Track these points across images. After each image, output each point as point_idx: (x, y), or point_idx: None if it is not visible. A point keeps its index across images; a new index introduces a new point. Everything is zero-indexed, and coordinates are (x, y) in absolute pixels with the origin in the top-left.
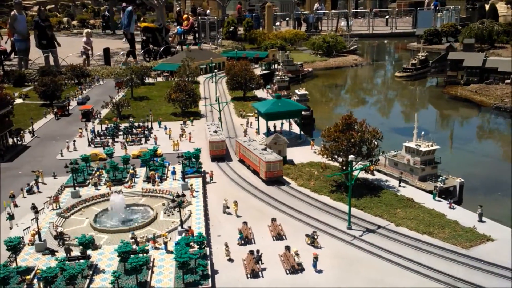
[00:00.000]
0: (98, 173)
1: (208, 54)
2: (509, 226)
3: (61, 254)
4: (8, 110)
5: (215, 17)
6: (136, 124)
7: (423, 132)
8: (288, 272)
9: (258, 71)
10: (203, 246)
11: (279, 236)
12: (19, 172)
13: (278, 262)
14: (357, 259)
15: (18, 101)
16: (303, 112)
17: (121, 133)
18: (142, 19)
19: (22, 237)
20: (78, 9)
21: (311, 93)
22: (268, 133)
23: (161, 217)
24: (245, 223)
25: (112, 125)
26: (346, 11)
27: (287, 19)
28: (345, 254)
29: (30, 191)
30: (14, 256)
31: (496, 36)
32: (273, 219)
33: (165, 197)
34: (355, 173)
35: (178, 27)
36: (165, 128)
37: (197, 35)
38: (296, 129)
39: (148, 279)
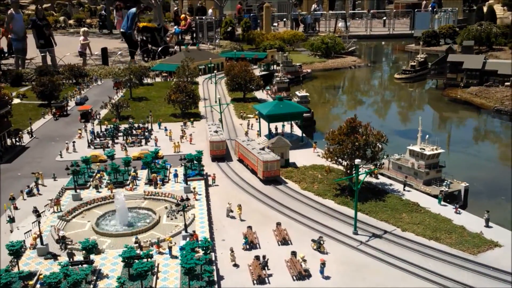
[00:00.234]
0: (99, 175)
1: (207, 54)
2: None
3: (64, 258)
4: (6, 111)
5: (213, 17)
6: (136, 125)
7: (427, 136)
8: (295, 278)
9: (257, 72)
10: (208, 252)
11: (284, 241)
12: (18, 174)
13: (284, 268)
14: (364, 265)
15: (16, 101)
16: (304, 114)
17: (120, 134)
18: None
19: (24, 241)
20: (75, 8)
21: (310, 94)
22: (270, 135)
23: (164, 221)
24: (249, 227)
25: (112, 126)
26: (344, 12)
27: (284, 19)
28: (352, 260)
29: (30, 193)
30: (16, 260)
31: (494, 38)
32: (278, 224)
33: (167, 200)
34: (361, 177)
35: (175, 27)
36: (166, 130)
37: (194, 35)
38: (297, 131)
39: (153, 285)
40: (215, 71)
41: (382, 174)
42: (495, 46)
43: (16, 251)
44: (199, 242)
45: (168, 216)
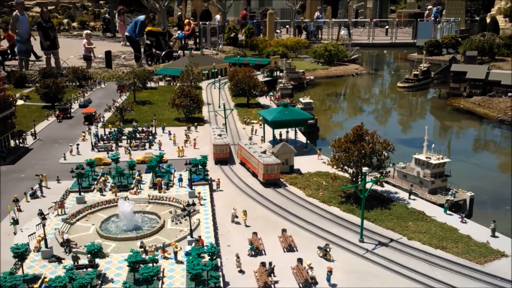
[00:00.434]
0: (103, 178)
1: (210, 59)
2: None
3: (68, 262)
4: (10, 112)
5: (217, 23)
6: (139, 128)
7: (433, 145)
8: (301, 285)
9: (260, 78)
10: (214, 257)
11: (290, 248)
12: (21, 176)
13: (290, 275)
14: (371, 273)
15: (19, 102)
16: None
17: (124, 137)
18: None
19: (28, 244)
20: (79, 11)
21: (313, 101)
22: (274, 141)
23: (168, 225)
24: (255, 233)
25: (116, 129)
26: (347, 20)
27: (287, 26)
28: (358, 267)
29: (33, 196)
30: (20, 263)
31: (497, 49)
32: (284, 230)
33: (172, 204)
34: (368, 185)
35: (179, 31)
36: (169, 134)
37: (198, 40)
38: (301, 137)
39: None
40: (219, 76)
41: (387, 182)
42: (498, 57)
43: (21, 254)
44: (205, 247)
45: (173, 221)
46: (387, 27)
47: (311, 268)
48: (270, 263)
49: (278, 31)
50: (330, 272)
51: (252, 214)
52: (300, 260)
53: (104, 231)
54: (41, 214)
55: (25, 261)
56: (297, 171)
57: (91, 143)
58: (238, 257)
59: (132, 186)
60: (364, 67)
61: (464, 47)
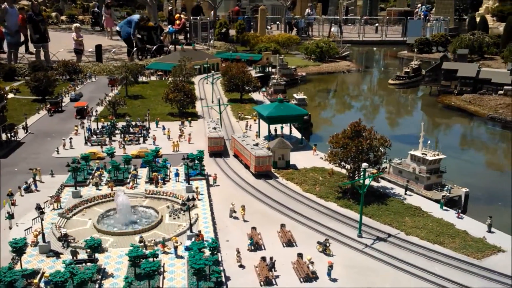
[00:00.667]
0: (98, 172)
1: (202, 54)
2: None
3: (66, 256)
4: (2, 105)
5: (208, 18)
6: (133, 123)
7: (429, 141)
8: (302, 280)
9: (252, 73)
10: (215, 252)
11: (289, 243)
12: (14, 169)
13: (291, 270)
14: (371, 268)
15: (9, 95)
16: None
17: (118, 132)
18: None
19: (25, 238)
20: (67, 5)
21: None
22: (270, 137)
23: (166, 220)
24: (254, 228)
25: (109, 123)
26: (337, 17)
27: (277, 23)
28: (357, 262)
29: (27, 190)
30: (18, 258)
31: (486, 47)
32: (282, 225)
33: (169, 199)
34: (367, 181)
35: (169, 26)
36: (163, 129)
37: (188, 35)
38: (295, 133)
39: (161, 285)
40: (212, 72)
41: (383, 178)
42: (487, 55)
43: (20, 249)
44: (206, 242)
45: (170, 216)
46: (377, 24)
47: (312, 263)
48: (271, 258)
49: (269, 27)
50: (331, 266)
51: (250, 209)
52: (300, 255)
53: (102, 226)
54: (39, 208)
55: (23, 256)
56: (293, 167)
57: (84, 137)
58: (238, 252)
59: (128, 180)
60: (354, 64)
61: (454, 45)
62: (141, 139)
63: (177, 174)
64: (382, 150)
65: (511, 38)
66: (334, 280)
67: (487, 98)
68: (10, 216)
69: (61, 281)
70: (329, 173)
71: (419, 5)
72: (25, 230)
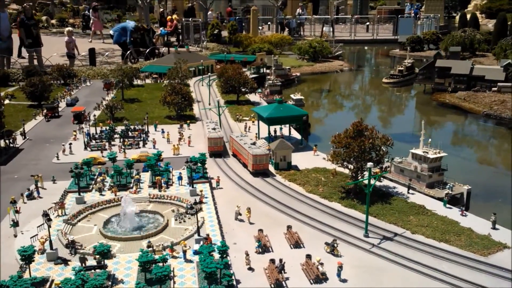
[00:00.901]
0: (101, 178)
1: (196, 56)
2: None
3: (74, 263)
4: None
5: (200, 19)
6: (132, 127)
7: (430, 139)
8: (312, 281)
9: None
10: (225, 256)
11: (297, 244)
12: (15, 176)
13: (300, 271)
14: (379, 267)
15: (5, 101)
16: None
17: (117, 136)
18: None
19: (34, 246)
20: (57, 8)
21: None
22: (270, 138)
23: (172, 224)
24: (260, 230)
25: (108, 128)
26: (328, 16)
27: (269, 23)
28: (366, 262)
29: (30, 196)
30: (26, 266)
31: (478, 44)
32: (289, 227)
33: (173, 203)
34: (372, 180)
35: (161, 28)
36: (163, 132)
37: (180, 37)
38: (294, 133)
39: None
40: (209, 74)
41: (384, 177)
42: (478, 52)
43: (28, 257)
44: (214, 245)
45: (176, 219)
46: (367, 23)
47: (321, 264)
48: (281, 260)
49: (260, 27)
50: (340, 267)
51: (255, 211)
52: (308, 256)
53: (108, 232)
54: (46, 215)
55: (31, 263)
56: (295, 168)
57: (84, 142)
58: (247, 254)
59: (131, 185)
60: (347, 63)
61: (445, 43)
62: (141, 143)
63: (180, 178)
64: (383, 149)
65: (502, 35)
66: (344, 280)
67: (481, 95)
68: (15, 224)
69: None
70: (332, 173)
71: (407, 4)
72: (31, 238)
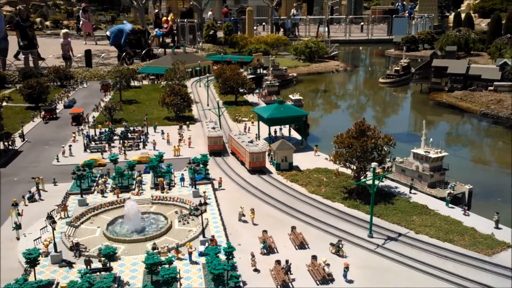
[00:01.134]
0: (103, 179)
1: (193, 57)
2: None
3: (79, 266)
4: None
5: (195, 20)
6: (131, 128)
7: (431, 139)
8: (318, 283)
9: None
10: (231, 257)
11: (302, 245)
12: (14, 179)
13: (306, 273)
14: (385, 268)
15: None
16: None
17: (116, 137)
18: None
19: (39, 249)
20: (51, 10)
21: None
22: (270, 138)
23: (176, 226)
24: (265, 231)
25: (107, 129)
26: (323, 17)
27: (263, 24)
28: (371, 263)
29: (31, 199)
30: (31, 269)
31: (473, 44)
32: (293, 228)
33: (177, 204)
34: (376, 180)
35: (156, 29)
36: (162, 133)
37: (175, 38)
38: (294, 134)
39: None
40: (207, 74)
41: (386, 177)
42: (473, 52)
43: (33, 259)
44: (220, 247)
45: (180, 221)
46: (362, 23)
47: (328, 265)
48: (287, 261)
49: (255, 28)
50: (347, 268)
51: (257, 212)
52: (314, 257)
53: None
54: (50, 217)
55: (36, 266)
56: (296, 168)
57: (84, 144)
58: (253, 255)
59: (133, 187)
60: (343, 63)
61: (440, 42)
62: (141, 145)
63: (182, 179)
64: (386, 149)
65: (497, 34)
66: (351, 281)
67: (478, 95)
68: (17, 227)
69: None
70: (335, 174)
71: (398, 3)
72: (34, 240)
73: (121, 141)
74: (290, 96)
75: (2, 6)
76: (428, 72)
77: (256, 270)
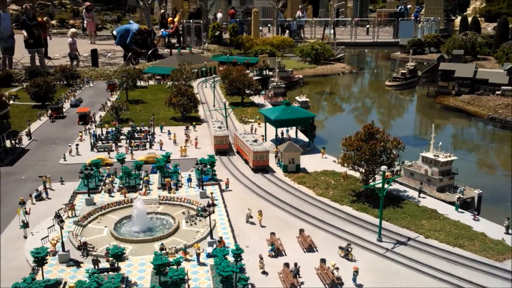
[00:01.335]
0: (110, 179)
1: (199, 58)
2: None
3: (87, 265)
4: (5, 112)
5: (201, 21)
6: (138, 128)
7: (440, 143)
8: (327, 286)
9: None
10: (239, 259)
11: (310, 248)
12: (22, 177)
13: (315, 276)
14: (394, 272)
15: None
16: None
17: (123, 137)
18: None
19: (47, 248)
20: (57, 9)
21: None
22: (277, 140)
23: (183, 226)
24: (273, 233)
25: (114, 129)
26: (328, 19)
27: (269, 25)
28: (380, 267)
29: (38, 197)
30: (39, 268)
31: (479, 48)
32: (301, 230)
33: (184, 205)
34: (386, 184)
35: (162, 30)
36: (169, 133)
37: (181, 38)
38: (301, 136)
39: None
40: (214, 75)
41: (395, 181)
42: (480, 56)
43: (41, 258)
44: (228, 248)
45: (187, 222)
46: (368, 26)
47: (337, 268)
48: (296, 264)
49: (261, 29)
50: (356, 272)
51: (265, 214)
52: (323, 261)
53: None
54: (58, 216)
55: (44, 265)
56: (304, 170)
57: (90, 143)
58: (261, 258)
59: (141, 187)
60: (348, 66)
61: (447, 46)
62: (148, 144)
63: (189, 180)
64: (394, 153)
65: (504, 38)
66: (360, 285)
67: (486, 99)
68: (25, 225)
69: None
70: (343, 177)
71: (400, 7)
72: (41, 239)
73: (127, 141)
74: (297, 97)
75: (8, 4)
76: (435, 75)
77: (264, 272)
